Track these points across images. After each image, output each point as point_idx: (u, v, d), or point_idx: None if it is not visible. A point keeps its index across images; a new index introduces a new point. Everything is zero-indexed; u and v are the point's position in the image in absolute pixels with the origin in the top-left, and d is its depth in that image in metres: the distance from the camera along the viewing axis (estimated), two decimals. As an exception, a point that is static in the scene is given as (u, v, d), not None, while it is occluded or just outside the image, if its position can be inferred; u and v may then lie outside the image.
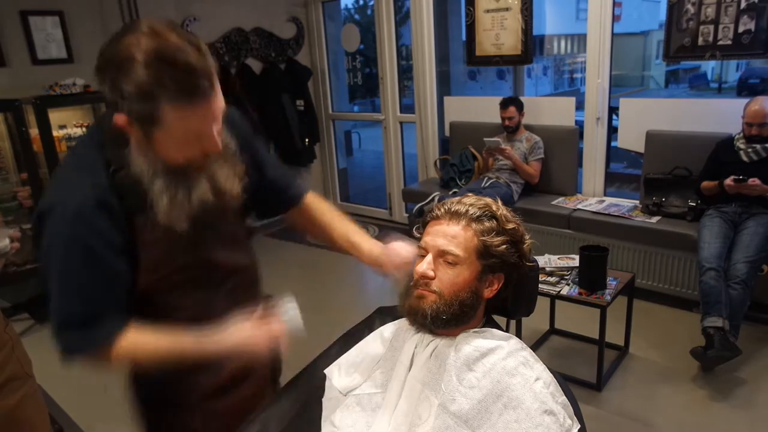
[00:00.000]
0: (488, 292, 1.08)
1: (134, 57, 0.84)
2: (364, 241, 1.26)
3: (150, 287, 1.02)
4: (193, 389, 1.13)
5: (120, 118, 0.89)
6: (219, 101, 0.92)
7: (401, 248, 1.18)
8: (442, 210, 1.09)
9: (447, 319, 1.03)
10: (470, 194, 1.19)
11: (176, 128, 0.89)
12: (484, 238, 1.04)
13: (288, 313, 1.08)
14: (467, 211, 1.07)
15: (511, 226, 1.07)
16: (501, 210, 1.09)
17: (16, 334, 1.49)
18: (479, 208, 1.07)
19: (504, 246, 1.05)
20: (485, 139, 3.77)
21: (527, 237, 1.10)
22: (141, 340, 1.00)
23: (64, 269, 0.94)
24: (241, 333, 1.03)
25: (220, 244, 1.11)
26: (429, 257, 1.06)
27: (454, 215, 1.07)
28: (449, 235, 1.05)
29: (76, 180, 0.96)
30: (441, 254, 1.05)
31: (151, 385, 1.16)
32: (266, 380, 1.27)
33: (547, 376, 0.99)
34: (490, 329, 1.08)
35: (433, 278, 1.04)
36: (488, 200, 1.10)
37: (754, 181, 2.74)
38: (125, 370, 1.18)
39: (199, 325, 1.02)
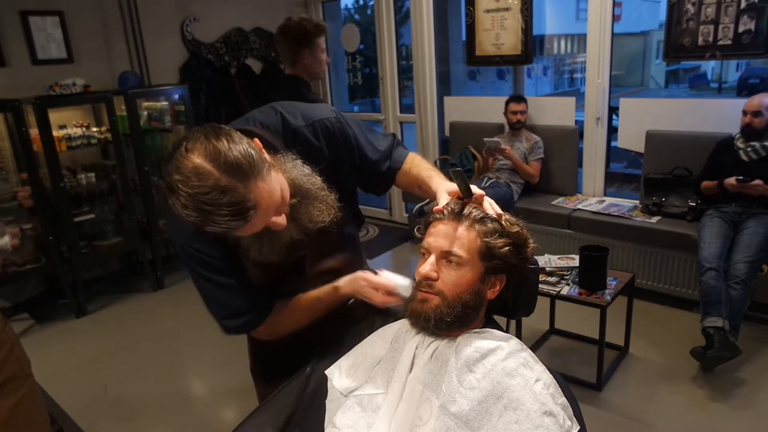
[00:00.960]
0: (491, 294, 1.08)
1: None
2: (431, 179, 1.27)
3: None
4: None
5: None
6: (263, 201, 0.94)
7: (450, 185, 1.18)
8: (446, 211, 1.09)
9: (450, 321, 1.03)
10: None
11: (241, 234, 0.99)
12: (487, 239, 1.04)
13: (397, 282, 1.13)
14: (470, 212, 1.06)
15: (515, 229, 1.07)
16: (505, 215, 1.08)
17: (14, 334, 1.49)
18: (480, 211, 1.07)
19: (507, 248, 1.05)
20: (485, 139, 3.78)
21: (531, 240, 1.10)
22: (290, 304, 1.21)
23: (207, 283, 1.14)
24: (354, 286, 1.16)
25: (322, 257, 1.25)
26: (432, 258, 1.05)
27: (457, 216, 1.06)
28: (453, 236, 1.04)
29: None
30: (444, 255, 1.04)
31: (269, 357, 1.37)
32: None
33: (547, 377, 0.99)
34: (490, 330, 1.08)
35: (436, 279, 1.04)
36: None
37: (757, 182, 2.74)
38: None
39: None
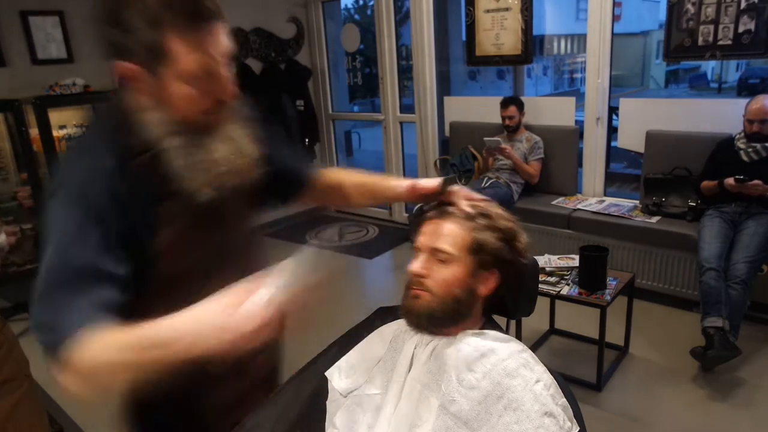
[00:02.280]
0: (484, 290, 1.08)
1: None
2: (393, 180, 1.22)
3: (160, 284, 0.93)
4: (206, 407, 1.05)
5: (128, 66, 0.85)
6: (225, 36, 0.88)
7: (428, 181, 1.16)
8: (435, 210, 1.10)
9: (442, 317, 1.04)
10: None
11: (185, 61, 0.84)
12: (475, 234, 1.05)
13: (292, 268, 0.81)
14: (459, 209, 1.08)
15: (504, 223, 1.08)
16: (494, 208, 1.09)
17: (13, 334, 1.49)
18: (470, 207, 1.08)
19: (497, 242, 1.06)
20: (485, 138, 3.78)
21: (523, 235, 1.10)
22: (105, 339, 0.78)
23: (54, 249, 0.83)
24: (216, 312, 0.76)
25: (238, 232, 1.07)
26: (421, 256, 1.07)
27: (444, 214, 1.08)
28: (441, 233, 1.06)
29: (82, 162, 0.90)
30: (433, 252, 1.06)
31: (154, 408, 1.03)
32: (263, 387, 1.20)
33: (548, 378, 0.99)
34: (489, 330, 1.08)
35: (425, 276, 1.05)
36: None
37: (756, 182, 2.74)
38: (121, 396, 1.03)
39: None
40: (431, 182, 1.14)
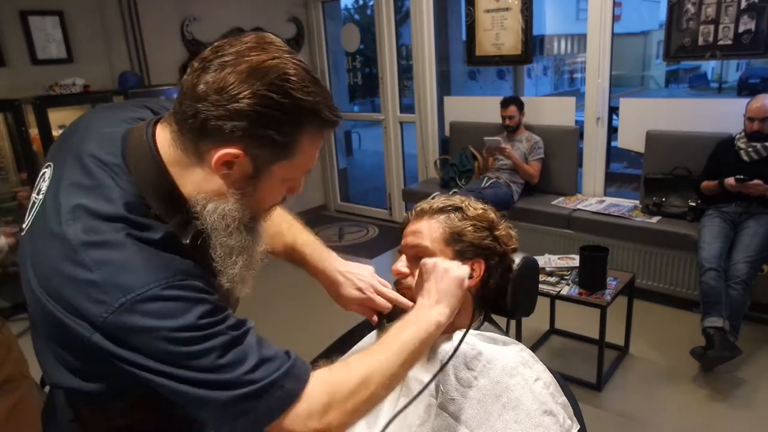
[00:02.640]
0: (471, 282, 1.06)
1: (286, 69, 0.71)
2: (314, 251, 1.09)
3: None
4: None
5: (226, 153, 0.72)
6: None
7: (362, 273, 1.08)
8: (411, 213, 1.14)
9: None
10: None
11: (304, 160, 0.77)
12: (448, 225, 1.07)
13: None
14: (431, 206, 1.10)
15: (475, 212, 1.08)
16: (466, 201, 1.11)
17: (12, 335, 1.49)
18: (441, 202, 1.11)
19: (473, 230, 1.06)
20: (485, 138, 3.77)
21: (502, 223, 1.11)
22: (356, 363, 0.80)
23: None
24: (431, 286, 0.94)
25: None
26: (403, 256, 1.11)
27: (419, 214, 1.11)
28: (415, 231, 1.09)
29: (159, 255, 0.74)
30: (411, 250, 1.09)
31: None
32: None
33: (547, 376, 0.99)
34: (488, 329, 1.08)
35: (407, 276, 1.08)
36: (455, 197, 1.13)
37: (756, 182, 2.74)
38: None
39: None
40: (368, 280, 1.10)
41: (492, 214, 1.10)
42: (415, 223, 1.11)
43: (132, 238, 0.72)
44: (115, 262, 0.71)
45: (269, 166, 0.75)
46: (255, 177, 0.76)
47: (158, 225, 0.76)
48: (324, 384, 0.75)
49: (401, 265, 1.10)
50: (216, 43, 0.75)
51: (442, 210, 1.09)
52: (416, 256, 1.06)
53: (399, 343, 0.82)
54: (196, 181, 0.77)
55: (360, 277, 1.08)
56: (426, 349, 0.88)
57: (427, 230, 1.08)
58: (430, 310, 0.90)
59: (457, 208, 1.09)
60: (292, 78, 0.71)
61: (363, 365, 0.79)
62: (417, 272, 1.02)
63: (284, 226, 1.11)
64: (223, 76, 0.71)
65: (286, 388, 0.72)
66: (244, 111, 0.70)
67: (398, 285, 1.11)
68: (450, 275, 0.93)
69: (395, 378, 0.81)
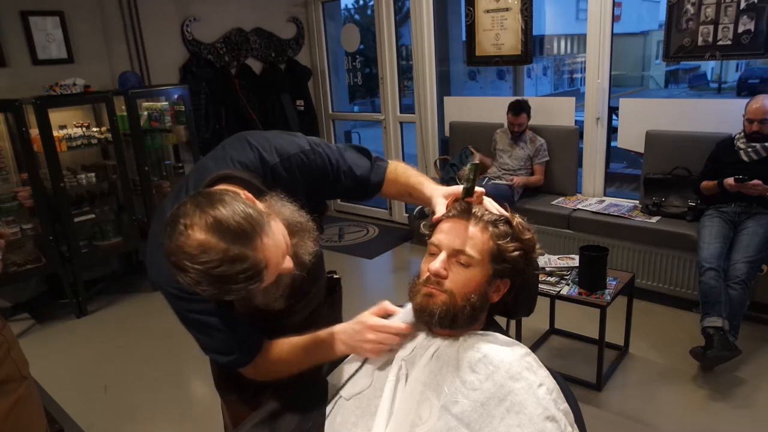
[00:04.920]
0: (495, 297, 1.07)
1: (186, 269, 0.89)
2: (422, 184, 1.26)
3: None
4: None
5: None
6: (273, 256, 0.93)
7: (449, 190, 1.16)
8: (459, 209, 1.07)
9: (454, 320, 1.02)
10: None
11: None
12: (500, 242, 1.03)
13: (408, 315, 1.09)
14: (483, 213, 1.06)
15: (527, 235, 1.06)
16: (517, 218, 1.07)
17: (13, 335, 1.49)
18: (496, 215, 1.06)
19: (517, 252, 1.04)
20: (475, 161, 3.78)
21: (538, 247, 1.09)
22: (279, 347, 1.16)
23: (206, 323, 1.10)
24: (355, 336, 1.10)
25: (307, 284, 1.25)
26: (443, 255, 1.03)
27: (471, 216, 1.05)
28: (464, 235, 1.03)
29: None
30: (455, 254, 1.03)
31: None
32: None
33: (551, 382, 0.99)
34: (493, 333, 1.07)
35: (445, 277, 1.03)
36: (507, 212, 1.09)
37: (756, 182, 2.74)
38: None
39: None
40: (454, 190, 1.13)
41: (535, 238, 1.08)
42: (464, 224, 1.04)
43: None
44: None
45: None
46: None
47: None
48: (260, 358, 1.15)
49: (441, 265, 1.02)
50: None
51: (495, 223, 1.05)
52: (457, 261, 1.02)
53: (312, 357, 1.16)
54: None
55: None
56: (322, 362, 1.19)
57: (479, 241, 1.03)
58: (341, 346, 1.13)
59: (509, 223, 1.05)
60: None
61: (282, 357, 1.16)
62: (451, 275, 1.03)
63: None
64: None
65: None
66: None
67: (432, 286, 1.03)
68: (364, 351, 1.10)
69: (298, 369, 1.16)
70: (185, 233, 0.86)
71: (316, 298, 1.39)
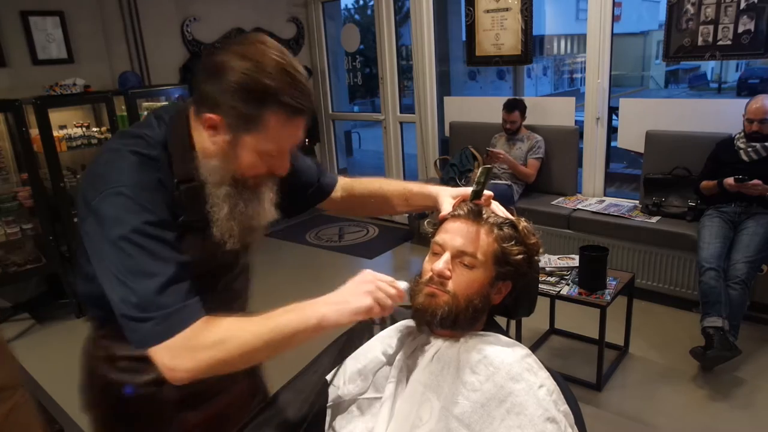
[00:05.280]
0: (497, 298, 1.07)
1: (263, 60, 0.89)
2: (422, 187, 1.26)
3: None
4: (166, 400, 1.08)
5: (213, 118, 0.92)
6: (303, 130, 0.97)
7: (457, 192, 1.16)
8: (465, 209, 1.06)
9: (456, 321, 1.02)
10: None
11: (270, 138, 0.93)
12: (504, 245, 1.03)
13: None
14: (488, 216, 1.05)
15: (532, 240, 1.06)
16: (523, 222, 1.07)
17: (5, 341, 1.48)
18: (501, 218, 1.06)
19: (521, 256, 1.04)
20: (488, 149, 3.78)
21: (542, 250, 1.09)
22: (226, 324, 0.88)
23: (132, 255, 0.87)
24: (345, 289, 0.94)
25: (237, 268, 1.15)
26: (447, 256, 1.02)
27: (477, 217, 1.05)
28: (469, 236, 1.03)
29: (141, 171, 0.93)
30: (459, 255, 1.02)
31: (118, 395, 1.09)
32: (244, 395, 1.24)
33: (551, 383, 0.98)
34: (494, 334, 1.07)
35: (449, 278, 1.02)
36: (512, 215, 1.09)
37: (755, 182, 2.74)
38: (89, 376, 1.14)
39: None
40: (462, 191, 1.14)
41: (540, 242, 1.08)
42: (469, 225, 1.04)
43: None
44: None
45: (241, 135, 0.92)
46: (233, 142, 0.93)
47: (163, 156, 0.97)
48: (191, 331, 0.86)
49: (445, 265, 1.01)
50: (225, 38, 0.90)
51: (500, 225, 1.04)
52: (461, 262, 1.02)
53: (274, 323, 0.88)
54: (201, 141, 0.97)
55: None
56: (297, 341, 0.90)
57: (484, 243, 1.03)
58: (322, 307, 0.91)
59: (514, 227, 1.05)
60: (265, 67, 0.88)
61: (231, 329, 0.88)
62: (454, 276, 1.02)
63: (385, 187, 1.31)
64: (219, 60, 0.90)
65: (160, 328, 0.85)
66: (223, 86, 0.89)
67: (434, 286, 1.02)
68: (356, 300, 0.91)
69: (255, 352, 0.88)
70: (268, 44, 0.92)
71: (244, 277, 1.21)
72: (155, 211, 0.91)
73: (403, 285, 0.98)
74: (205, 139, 0.95)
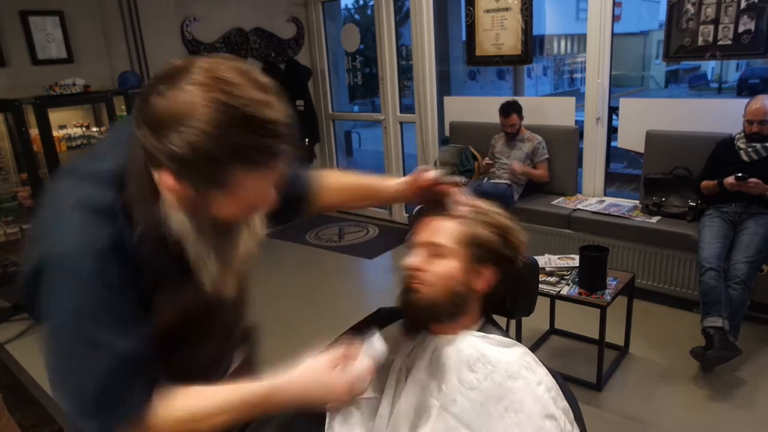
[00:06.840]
0: (480, 285, 1.07)
1: (196, 116, 0.69)
2: (388, 182, 1.23)
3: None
4: None
5: (167, 179, 0.74)
6: (285, 163, 0.79)
7: (425, 172, 1.14)
8: (430, 210, 1.12)
9: (440, 311, 1.04)
10: None
11: (244, 194, 0.77)
12: (469, 227, 1.06)
13: (373, 346, 0.94)
14: (454, 207, 1.09)
15: (497, 218, 1.09)
16: (489, 206, 1.10)
17: None
18: (469, 204, 1.10)
19: (491, 236, 1.06)
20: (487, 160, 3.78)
21: (518, 231, 1.10)
22: (185, 403, 0.82)
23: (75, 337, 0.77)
24: (315, 374, 0.87)
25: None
26: (417, 251, 1.08)
27: (440, 212, 1.10)
28: (435, 228, 1.08)
29: (87, 231, 0.77)
30: (428, 246, 1.07)
31: None
32: None
33: (549, 380, 0.99)
34: (492, 332, 1.08)
35: (422, 270, 1.06)
36: (480, 203, 1.12)
37: (755, 181, 2.74)
38: None
39: (187, 377, 0.85)
40: (430, 173, 1.15)
41: (510, 221, 1.10)
42: (436, 220, 1.09)
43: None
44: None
45: (210, 192, 0.76)
46: (201, 198, 0.76)
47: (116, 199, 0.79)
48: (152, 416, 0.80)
49: (416, 259, 1.06)
50: (160, 71, 0.75)
51: (466, 212, 1.08)
52: (432, 253, 1.06)
53: (245, 406, 0.84)
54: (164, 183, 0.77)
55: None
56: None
57: (449, 230, 1.06)
58: (288, 395, 0.86)
59: (479, 212, 1.08)
60: (217, 119, 0.69)
61: (194, 405, 0.83)
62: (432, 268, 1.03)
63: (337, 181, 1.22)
64: (159, 110, 0.71)
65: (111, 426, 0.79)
66: (170, 150, 0.70)
67: (412, 281, 1.06)
68: (327, 389, 0.87)
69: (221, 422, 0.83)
70: (202, 79, 0.71)
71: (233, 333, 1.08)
72: (105, 280, 0.76)
73: (377, 348, 0.94)
74: (168, 190, 0.77)
